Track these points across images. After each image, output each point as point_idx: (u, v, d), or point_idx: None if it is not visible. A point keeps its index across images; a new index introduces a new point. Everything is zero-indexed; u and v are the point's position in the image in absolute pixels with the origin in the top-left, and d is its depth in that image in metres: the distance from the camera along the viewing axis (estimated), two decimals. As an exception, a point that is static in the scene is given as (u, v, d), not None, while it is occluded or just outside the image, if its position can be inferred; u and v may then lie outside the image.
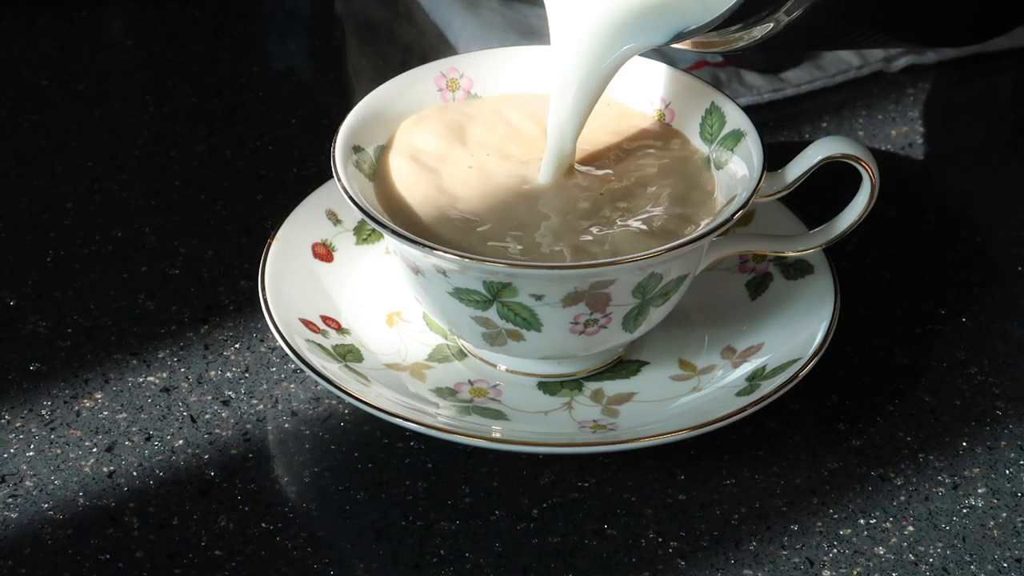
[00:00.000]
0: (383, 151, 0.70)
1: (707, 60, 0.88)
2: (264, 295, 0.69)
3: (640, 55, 0.73)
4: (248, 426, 0.68)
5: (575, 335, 0.66)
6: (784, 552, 0.64)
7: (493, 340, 0.67)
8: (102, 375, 0.71)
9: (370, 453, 0.67)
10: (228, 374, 0.71)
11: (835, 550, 0.64)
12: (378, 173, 0.69)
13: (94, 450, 0.67)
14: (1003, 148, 0.84)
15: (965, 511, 0.66)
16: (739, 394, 0.67)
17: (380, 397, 0.66)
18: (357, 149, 0.69)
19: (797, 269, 0.73)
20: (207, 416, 0.69)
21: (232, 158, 0.83)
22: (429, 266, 0.65)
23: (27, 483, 0.66)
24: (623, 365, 0.70)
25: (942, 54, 0.90)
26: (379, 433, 0.68)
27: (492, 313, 0.65)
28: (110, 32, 0.92)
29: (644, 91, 0.72)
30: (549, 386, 0.69)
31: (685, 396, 0.68)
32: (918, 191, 0.82)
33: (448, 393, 0.68)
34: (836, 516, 0.65)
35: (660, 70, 0.72)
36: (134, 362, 0.71)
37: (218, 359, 0.71)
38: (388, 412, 0.65)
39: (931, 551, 0.64)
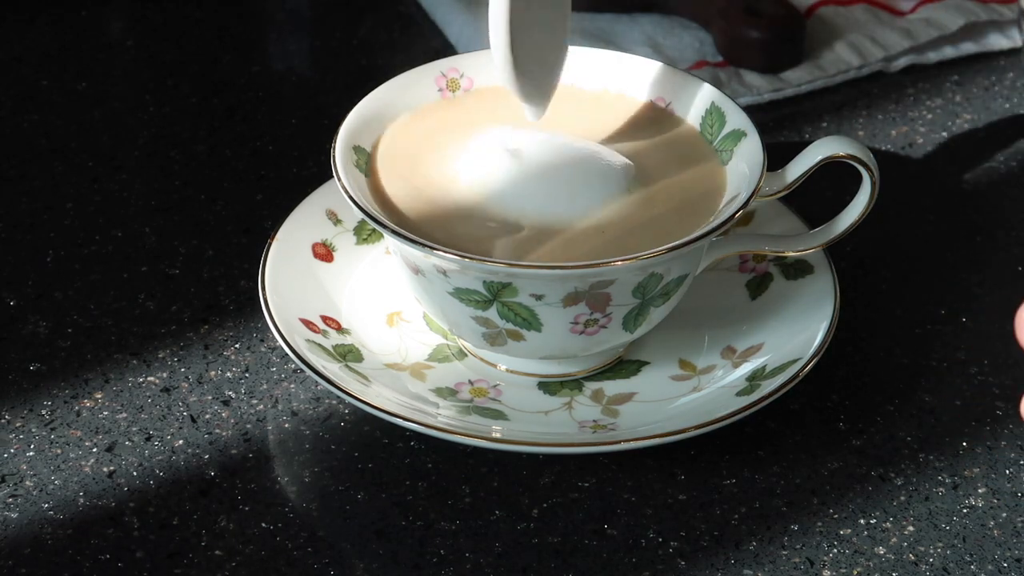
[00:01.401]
0: (380, 150, 0.69)
1: (707, 60, 0.88)
2: (264, 295, 0.69)
3: (640, 55, 0.73)
4: (248, 426, 0.68)
5: (575, 335, 0.66)
6: (784, 552, 0.64)
7: (493, 340, 0.67)
8: (102, 375, 0.71)
9: (370, 453, 0.67)
10: (228, 374, 0.71)
11: (835, 550, 0.64)
12: (377, 172, 0.69)
13: (94, 450, 0.67)
14: (1003, 148, 0.84)
15: (965, 511, 0.66)
16: (739, 394, 0.67)
17: (380, 397, 0.66)
18: (357, 149, 0.69)
19: (797, 269, 0.73)
20: (207, 416, 0.69)
21: (232, 158, 0.83)
22: (429, 266, 0.65)
23: (27, 483, 0.66)
24: (623, 365, 0.70)
25: (942, 54, 0.90)
26: (379, 433, 0.68)
27: (492, 313, 0.65)
28: (110, 32, 0.92)
29: (644, 91, 0.72)
30: (549, 386, 0.69)
31: (685, 396, 0.68)
32: (918, 191, 0.82)
33: (448, 393, 0.68)
34: (836, 516, 0.65)
35: (660, 70, 0.72)
36: (134, 362, 0.71)
37: (218, 359, 0.71)
38: (388, 412, 0.65)
39: (931, 551, 0.64)
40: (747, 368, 0.69)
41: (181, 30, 0.92)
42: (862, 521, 0.65)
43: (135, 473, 0.66)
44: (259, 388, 0.70)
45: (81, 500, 0.65)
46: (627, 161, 0.68)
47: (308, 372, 0.67)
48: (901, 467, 0.67)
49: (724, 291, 0.73)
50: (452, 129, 0.70)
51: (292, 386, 0.70)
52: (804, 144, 0.70)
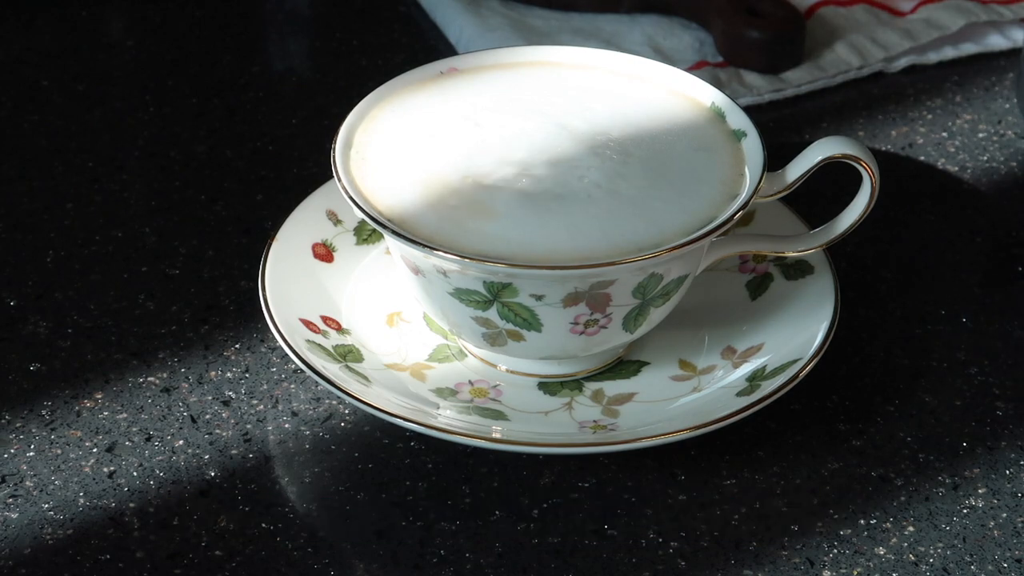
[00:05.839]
0: (379, 149, 0.69)
1: (707, 60, 0.88)
2: (264, 295, 0.69)
3: (640, 55, 0.73)
4: (248, 426, 0.68)
5: (575, 335, 0.66)
6: (784, 552, 0.64)
7: (493, 340, 0.67)
8: (102, 375, 0.71)
9: (370, 453, 0.67)
10: (228, 374, 0.71)
11: (835, 550, 0.64)
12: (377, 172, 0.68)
13: (94, 450, 0.67)
14: (1003, 148, 0.84)
15: (965, 511, 0.66)
16: (739, 394, 0.67)
17: (380, 397, 0.66)
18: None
19: (797, 269, 0.73)
20: (207, 416, 0.69)
21: (232, 158, 0.83)
22: (429, 266, 0.65)
23: (27, 483, 0.66)
24: (623, 365, 0.70)
25: (942, 54, 0.90)
26: (379, 433, 0.68)
27: (492, 313, 0.65)
28: (110, 32, 0.92)
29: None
30: (549, 386, 0.69)
31: (685, 396, 0.68)
32: (918, 191, 0.82)
33: (448, 393, 0.68)
34: (836, 516, 0.65)
35: (660, 70, 0.72)
36: (134, 362, 0.71)
37: (218, 359, 0.71)
38: (388, 412, 0.65)
39: (931, 551, 0.64)
40: (747, 368, 0.69)
41: (181, 30, 0.92)
42: (862, 521, 0.65)
43: (135, 473, 0.67)
44: (259, 388, 0.70)
45: (81, 500, 0.65)
46: (627, 151, 0.68)
47: (308, 372, 0.67)
48: (901, 467, 0.67)
49: (724, 291, 0.73)
50: (451, 128, 0.70)
51: (292, 386, 0.70)
52: (804, 144, 0.70)
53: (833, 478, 0.67)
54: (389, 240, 0.66)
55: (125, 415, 0.69)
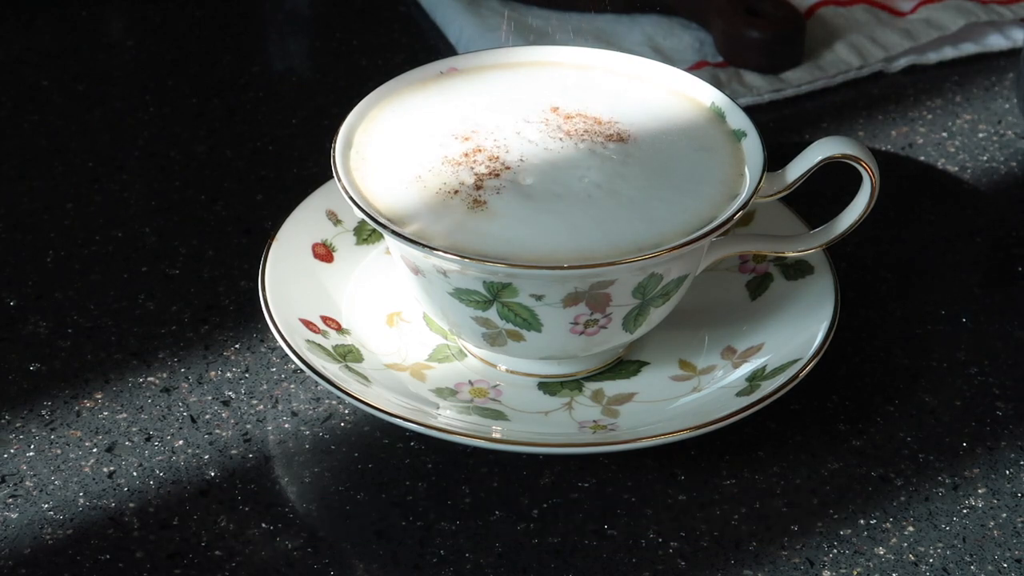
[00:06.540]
0: (379, 148, 0.69)
1: (707, 60, 0.88)
2: (264, 295, 0.69)
3: (640, 55, 0.73)
4: (248, 426, 0.68)
5: (575, 335, 0.66)
6: (784, 552, 0.64)
7: (493, 340, 0.67)
8: (102, 375, 0.71)
9: (370, 453, 0.67)
10: (228, 374, 0.71)
11: (835, 550, 0.64)
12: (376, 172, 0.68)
13: (94, 450, 0.67)
14: (1003, 148, 0.84)
15: (965, 511, 0.66)
16: (739, 394, 0.67)
17: (380, 397, 0.66)
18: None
19: (797, 269, 0.73)
20: (207, 416, 0.69)
21: (232, 158, 0.83)
22: (429, 266, 0.65)
23: (27, 483, 0.66)
24: (623, 365, 0.70)
25: (942, 54, 0.90)
26: (379, 433, 0.68)
27: (492, 313, 0.65)
28: (110, 32, 0.92)
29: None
30: (549, 386, 0.69)
31: (685, 396, 0.68)
32: (918, 191, 0.82)
33: (448, 393, 0.68)
34: (836, 516, 0.65)
35: (660, 70, 0.72)
36: (134, 362, 0.71)
37: (218, 359, 0.71)
38: (388, 412, 0.65)
39: (931, 551, 0.64)
40: (747, 368, 0.69)
41: (181, 30, 0.92)
42: (862, 521, 0.65)
43: (135, 473, 0.67)
44: (259, 388, 0.70)
45: (81, 500, 0.65)
46: (627, 151, 0.68)
47: (308, 372, 0.67)
48: (901, 467, 0.67)
49: (724, 291, 0.73)
50: (451, 128, 0.70)
51: (292, 386, 0.70)
52: (804, 144, 0.70)
53: (833, 478, 0.67)
54: (389, 240, 0.66)
55: (125, 415, 0.69)
